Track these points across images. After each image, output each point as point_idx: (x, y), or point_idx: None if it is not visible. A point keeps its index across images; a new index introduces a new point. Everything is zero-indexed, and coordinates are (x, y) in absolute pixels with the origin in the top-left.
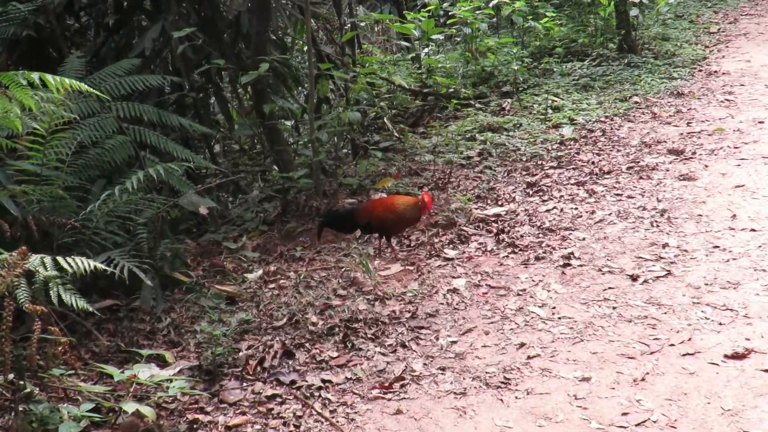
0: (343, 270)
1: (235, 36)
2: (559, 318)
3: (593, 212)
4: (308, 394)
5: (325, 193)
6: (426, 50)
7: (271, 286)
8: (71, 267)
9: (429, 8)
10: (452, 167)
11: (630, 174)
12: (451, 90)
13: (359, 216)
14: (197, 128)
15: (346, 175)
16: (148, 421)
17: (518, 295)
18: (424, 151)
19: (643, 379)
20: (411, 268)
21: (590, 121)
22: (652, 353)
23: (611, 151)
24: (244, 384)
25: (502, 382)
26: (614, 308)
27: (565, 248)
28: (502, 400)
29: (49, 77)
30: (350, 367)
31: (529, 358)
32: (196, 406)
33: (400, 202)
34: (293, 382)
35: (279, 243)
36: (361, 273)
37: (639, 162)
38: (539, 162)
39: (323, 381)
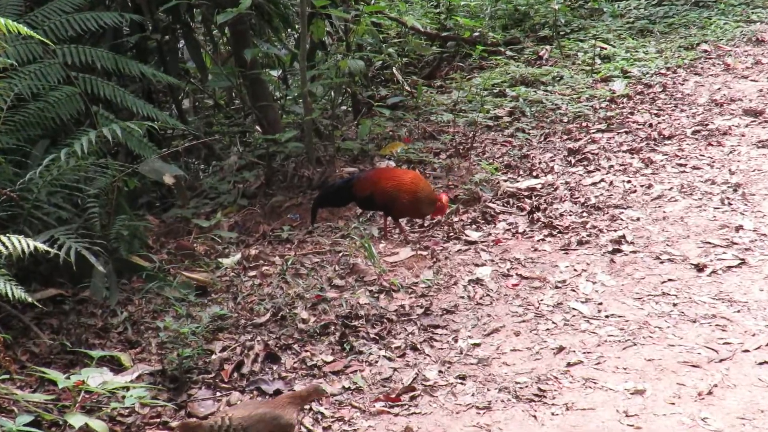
0: (340, 255)
1: None
2: (607, 316)
3: (650, 186)
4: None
5: (319, 160)
6: None
7: (252, 273)
8: (5, 247)
9: None
10: (476, 129)
11: (696, 140)
12: (476, 34)
13: (359, 186)
14: (162, 78)
15: (345, 138)
16: None
17: (556, 287)
18: (441, 110)
19: (710, 393)
20: (424, 253)
21: (648, 73)
22: (721, 361)
23: (673, 111)
24: (218, 394)
25: (536, 395)
26: (675, 305)
27: (615, 231)
28: (535, 416)
29: None
30: (348, 374)
31: (569, 365)
32: (159, 420)
33: (421, 186)
34: (278, 391)
35: (262, 221)
36: (363, 259)
37: (707, 125)
38: (584, 124)
39: None
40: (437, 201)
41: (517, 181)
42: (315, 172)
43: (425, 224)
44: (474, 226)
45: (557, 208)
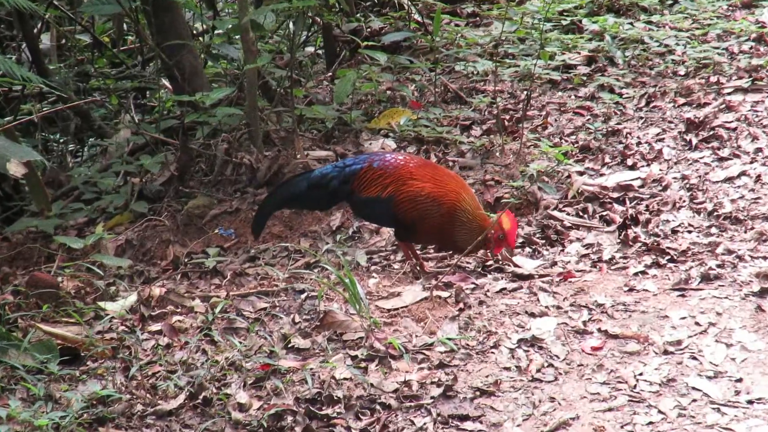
0: (303, 297)
1: None
2: (750, 402)
3: None
4: None
5: (269, 138)
6: None
7: (155, 327)
8: None
9: None
10: (532, 87)
11: None
12: None
13: (366, 180)
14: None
15: (314, 100)
16: None
17: (666, 353)
18: (474, 54)
19: None
20: (444, 294)
21: None
22: None
23: None
24: None
25: None
26: None
27: (766, 258)
28: None
29: None
30: None
31: None
32: None
33: (466, 201)
34: None
35: (172, 239)
36: (342, 304)
37: None
38: (713, 79)
39: None
40: (489, 227)
41: (601, 175)
42: (262, 157)
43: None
44: (528, 250)
45: (668, 221)
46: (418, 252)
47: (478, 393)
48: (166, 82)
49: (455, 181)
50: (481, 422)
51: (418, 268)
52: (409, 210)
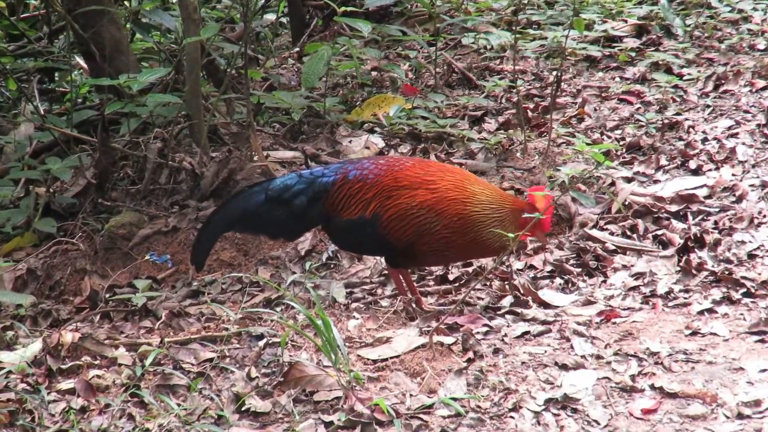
0: (262, 344)
1: None
2: None
3: None
4: None
5: (217, 133)
6: None
7: (66, 385)
8: None
9: None
10: (563, 66)
11: None
12: None
13: (343, 198)
14: None
15: (276, 84)
16: None
17: (741, 417)
18: (486, 22)
19: None
20: (447, 340)
21: None
22: None
23: None
24: None
25: None
26: None
27: None
28: None
29: None
30: None
31: None
32: None
33: (477, 193)
34: None
35: (88, 268)
36: (313, 353)
37: None
38: None
39: None
40: (521, 209)
41: (655, 182)
42: (207, 160)
43: (449, 270)
44: (558, 281)
45: (743, 242)
46: (415, 283)
47: None
48: (80, 60)
49: (451, 173)
50: None
51: (413, 304)
52: (401, 229)
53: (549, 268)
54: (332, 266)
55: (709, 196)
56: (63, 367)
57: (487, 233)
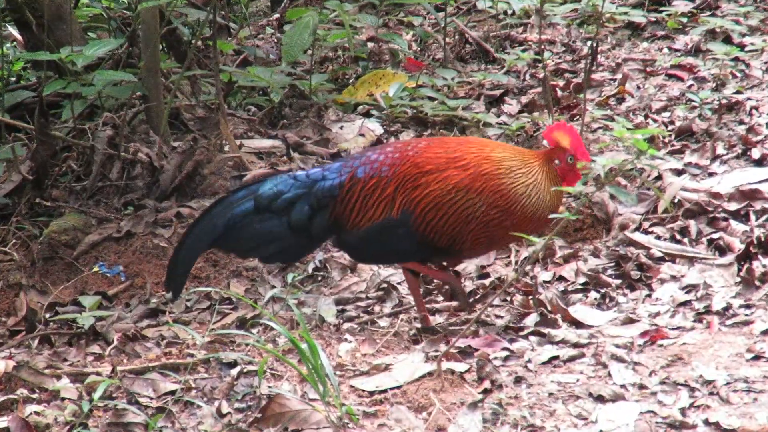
0: (237, 372)
1: None
2: None
3: None
4: None
5: (180, 118)
6: None
7: (0, 422)
8: None
9: None
10: (599, 34)
11: None
12: None
13: (353, 205)
14: None
15: (251, 58)
16: None
17: None
18: None
19: None
20: (459, 367)
21: None
22: None
23: None
24: None
25: None
26: None
27: None
28: None
29: None
30: None
31: None
32: None
33: (507, 161)
34: None
35: (26, 282)
36: (297, 382)
37: None
38: None
39: None
40: (549, 159)
41: (711, 175)
42: (168, 150)
43: (462, 281)
44: (593, 295)
45: None
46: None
47: None
48: (12, 30)
49: (470, 144)
50: None
51: (423, 319)
52: (441, 221)
53: (582, 279)
54: (320, 279)
55: None
56: None
57: (530, 204)
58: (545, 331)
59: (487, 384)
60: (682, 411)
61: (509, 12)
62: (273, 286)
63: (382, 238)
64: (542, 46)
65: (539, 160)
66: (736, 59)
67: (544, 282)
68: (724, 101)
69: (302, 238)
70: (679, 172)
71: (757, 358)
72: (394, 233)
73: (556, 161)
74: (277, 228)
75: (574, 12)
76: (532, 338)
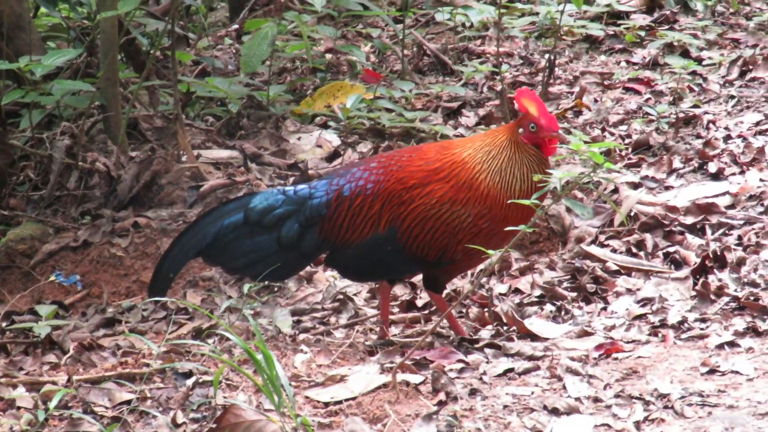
0: (192, 382)
1: None
2: None
3: None
4: None
5: (138, 128)
6: None
7: None
8: None
9: None
10: (557, 47)
11: None
12: None
13: (340, 223)
14: None
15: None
16: None
17: None
18: None
19: None
20: (415, 379)
21: None
22: None
23: None
24: None
25: None
26: None
27: None
28: None
29: None
30: None
31: None
32: None
33: (482, 145)
34: None
35: None
36: (252, 392)
37: None
38: None
39: None
40: (516, 129)
41: (667, 188)
42: (125, 160)
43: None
44: (548, 307)
45: None
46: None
47: None
48: None
49: (446, 150)
50: None
51: (380, 331)
52: (428, 235)
53: (538, 292)
54: (276, 289)
55: (731, 206)
56: None
57: (512, 187)
58: (500, 343)
59: (442, 396)
60: (637, 424)
61: (467, 24)
62: (229, 297)
63: (370, 255)
64: (500, 59)
65: (506, 134)
66: (693, 73)
67: (500, 294)
68: (681, 115)
69: (293, 256)
70: (635, 186)
71: (711, 372)
72: (382, 250)
73: (521, 129)
74: (267, 244)
75: (532, 25)
76: (488, 350)
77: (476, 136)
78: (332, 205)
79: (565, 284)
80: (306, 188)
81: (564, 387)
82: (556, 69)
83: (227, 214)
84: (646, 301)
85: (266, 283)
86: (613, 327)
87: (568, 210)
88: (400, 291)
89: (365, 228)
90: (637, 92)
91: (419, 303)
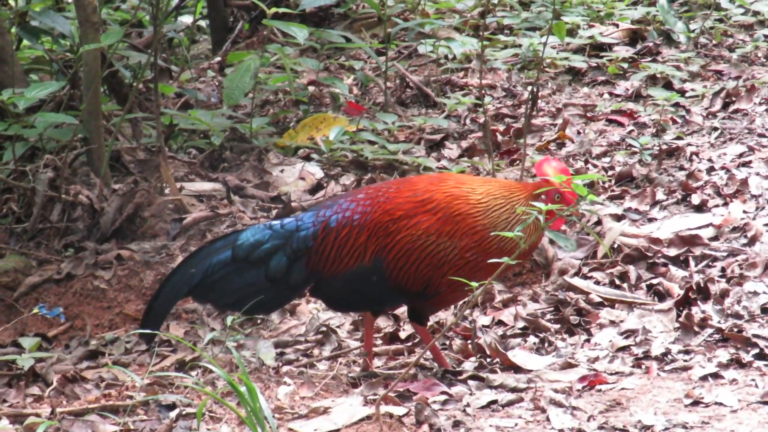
0: (175, 414)
1: None
2: None
3: None
4: None
5: (120, 161)
6: None
7: None
8: None
9: None
10: (540, 79)
11: None
12: None
13: (327, 254)
14: None
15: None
16: None
17: None
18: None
19: None
20: (398, 410)
21: None
22: None
23: None
24: None
25: None
26: None
27: None
28: None
29: None
30: None
31: None
32: None
33: (483, 199)
34: None
35: None
36: (236, 424)
37: None
38: None
39: None
40: (535, 192)
41: (651, 220)
42: (108, 193)
43: (400, 324)
44: (532, 339)
45: (755, 292)
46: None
47: None
48: None
49: (441, 183)
50: None
51: (367, 364)
52: (413, 267)
53: (521, 324)
54: (259, 321)
55: (715, 238)
56: None
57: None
58: (484, 375)
59: (425, 428)
60: None
61: (450, 56)
62: (212, 329)
63: (356, 286)
64: (483, 91)
65: (523, 193)
66: (676, 105)
67: (483, 326)
68: (664, 147)
69: (281, 289)
70: (618, 218)
71: (695, 403)
72: (368, 280)
73: (543, 197)
74: (256, 280)
75: (515, 57)
76: (471, 382)
77: (493, 179)
78: (319, 237)
79: (548, 316)
80: (293, 221)
81: (548, 419)
82: (539, 101)
83: (215, 252)
84: (629, 333)
85: (250, 315)
86: (596, 359)
87: (552, 242)
88: (384, 323)
89: (351, 259)
90: (620, 124)
91: (402, 335)
